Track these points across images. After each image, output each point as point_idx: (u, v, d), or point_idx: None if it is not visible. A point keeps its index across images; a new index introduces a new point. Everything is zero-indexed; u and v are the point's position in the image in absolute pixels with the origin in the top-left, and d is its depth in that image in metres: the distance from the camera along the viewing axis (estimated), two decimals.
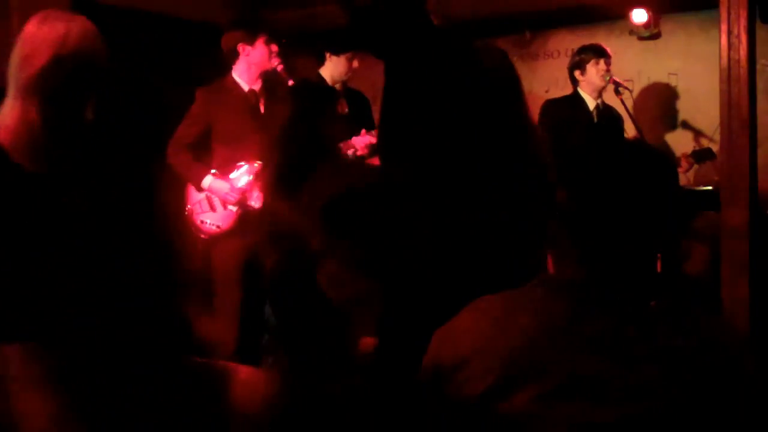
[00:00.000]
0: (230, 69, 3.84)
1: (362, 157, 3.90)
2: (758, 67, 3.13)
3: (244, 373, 1.60)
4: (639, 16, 4.81)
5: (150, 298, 2.12)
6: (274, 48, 3.79)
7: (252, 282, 3.71)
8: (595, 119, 4.30)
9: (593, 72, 4.25)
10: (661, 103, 5.00)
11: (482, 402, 1.19)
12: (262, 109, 3.84)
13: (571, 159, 1.31)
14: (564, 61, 4.74)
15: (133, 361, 1.55)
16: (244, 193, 3.74)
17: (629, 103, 4.39)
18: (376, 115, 4.20)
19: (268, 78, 3.85)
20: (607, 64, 4.25)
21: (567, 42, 5.12)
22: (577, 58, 4.33)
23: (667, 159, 1.33)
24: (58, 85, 1.91)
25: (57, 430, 1.13)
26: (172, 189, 3.89)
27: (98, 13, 4.22)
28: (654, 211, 1.26)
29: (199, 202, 3.81)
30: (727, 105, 2.96)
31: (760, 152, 3.08)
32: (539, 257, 1.97)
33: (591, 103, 4.31)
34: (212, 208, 3.79)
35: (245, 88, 3.82)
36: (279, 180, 2.60)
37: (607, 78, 4.25)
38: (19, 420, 1.15)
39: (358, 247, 2.10)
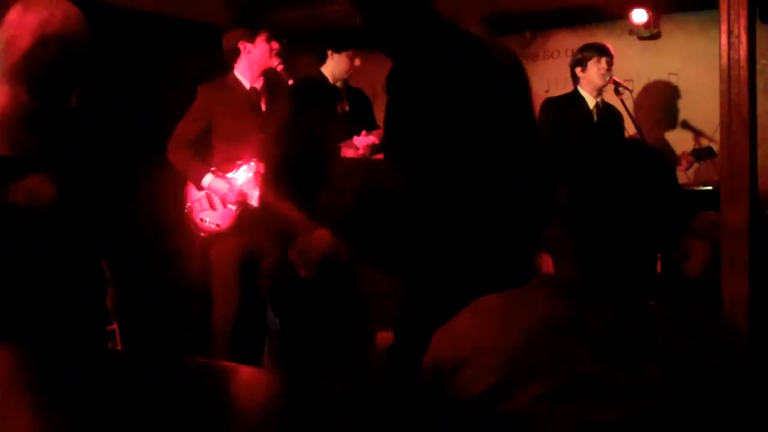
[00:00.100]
0: (232, 67, 3.84)
1: (364, 156, 3.90)
2: (758, 67, 3.13)
3: (243, 373, 1.60)
4: (639, 16, 4.81)
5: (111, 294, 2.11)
6: (275, 46, 3.79)
7: (251, 281, 3.71)
8: (595, 118, 4.30)
9: (594, 70, 4.25)
10: (661, 103, 5.00)
11: (482, 402, 1.19)
12: (263, 108, 3.84)
13: (571, 157, 1.31)
14: (564, 61, 4.74)
15: (133, 361, 1.55)
16: (243, 192, 3.73)
17: (629, 103, 4.39)
18: (377, 114, 4.21)
19: (269, 76, 3.85)
20: (609, 63, 4.26)
21: (567, 42, 5.12)
22: (579, 56, 4.33)
23: (664, 158, 1.33)
24: (43, 68, 1.91)
25: (57, 430, 1.13)
26: (172, 186, 3.89)
27: (98, 13, 4.23)
28: (653, 211, 1.26)
29: (199, 200, 3.81)
30: (727, 105, 2.96)
31: (760, 152, 3.07)
32: (536, 257, 1.98)
33: (591, 102, 4.31)
34: (212, 207, 3.79)
35: (247, 86, 3.82)
36: (277, 178, 2.60)
37: (608, 77, 4.25)
38: (17, 421, 1.15)
39: (382, 248, 2.10)
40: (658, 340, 1.18)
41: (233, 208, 3.76)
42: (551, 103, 4.33)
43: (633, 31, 5.01)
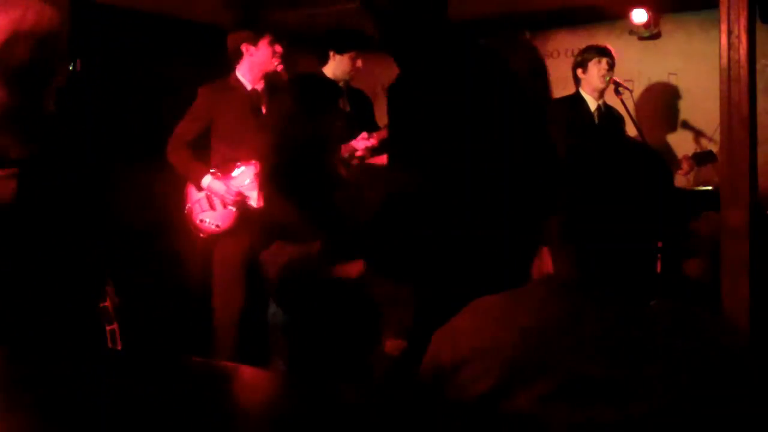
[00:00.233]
0: (234, 68, 3.84)
1: (362, 158, 3.90)
2: (758, 67, 3.13)
3: (244, 373, 1.60)
4: (639, 16, 4.82)
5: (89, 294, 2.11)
6: (278, 49, 3.80)
7: (252, 281, 3.71)
8: (596, 120, 4.29)
9: (595, 71, 4.25)
10: (661, 103, 5.00)
11: (482, 402, 1.19)
12: (263, 110, 3.84)
13: (569, 159, 1.31)
14: (564, 61, 4.74)
15: (133, 361, 1.55)
16: (241, 193, 3.73)
17: (629, 104, 4.39)
18: (378, 115, 4.21)
19: (270, 78, 3.85)
20: (609, 63, 4.25)
21: (567, 42, 5.12)
22: (579, 58, 4.34)
23: (661, 159, 1.33)
24: (14, 66, 1.91)
25: (57, 430, 1.13)
26: (172, 187, 3.90)
27: (98, 13, 4.24)
28: (650, 212, 1.26)
29: (199, 201, 3.81)
30: (727, 105, 2.96)
31: (760, 152, 3.07)
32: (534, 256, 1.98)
33: (592, 104, 4.31)
34: (212, 207, 3.79)
35: (248, 87, 3.82)
36: (277, 178, 2.59)
37: (608, 78, 4.25)
38: (17, 421, 1.15)
39: (400, 256, 2.10)
40: (658, 340, 1.18)
41: (233, 209, 3.76)
42: (552, 104, 4.33)
43: (633, 31, 5.01)
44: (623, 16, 4.85)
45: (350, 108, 4.07)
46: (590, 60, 4.27)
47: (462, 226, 2.04)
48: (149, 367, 1.46)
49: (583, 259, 1.25)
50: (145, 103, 4.41)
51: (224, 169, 3.77)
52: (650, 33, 5.00)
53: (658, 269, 1.28)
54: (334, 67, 4.07)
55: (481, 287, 1.77)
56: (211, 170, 3.78)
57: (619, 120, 4.38)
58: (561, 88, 4.78)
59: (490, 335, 1.24)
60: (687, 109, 4.92)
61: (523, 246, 2.04)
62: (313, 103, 2.62)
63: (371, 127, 4.01)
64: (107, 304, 2.25)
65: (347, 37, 4.05)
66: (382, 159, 3.76)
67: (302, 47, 4.58)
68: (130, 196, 4.14)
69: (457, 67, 2.10)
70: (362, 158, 3.88)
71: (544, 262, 1.92)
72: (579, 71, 4.32)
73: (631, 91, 4.46)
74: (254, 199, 3.75)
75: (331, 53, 4.06)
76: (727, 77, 2.96)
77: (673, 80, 4.99)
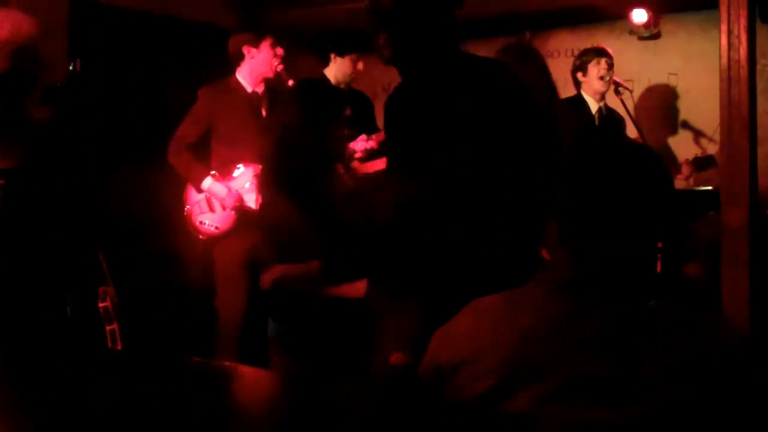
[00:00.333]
0: (234, 70, 3.84)
1: (361, 160, 3.90)
2: (758, 67, 3.13)
3: (245, 373, 1.60)
4: (639, 16, 4.82)
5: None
6: (280, 52, 3.80)
7: (254, 283, 3.70)
8: (597, 122, 4.29)
9: (594, 72, 4.25)
10: (661, 103, 5.00)
11: (482, 402, 1.19)
12: (264, 112, 3.84)
13: (571, 161, 1.31)
14: (564, 61, 4.74)
15: (133, 361, 1.55)
16: (241, 196, 3.73)
17: (629, 104, 4.39)
18: (378, 115, 4.21)
19: (271, 81, 3.85)
20: (608, 63, 4.25)
21: (567, 42, 5.12)
22: (578, 61, 4.33)
23: (659, 160, 1.33)
24: None
25: (57, 430, 1.13)
26: (172, 187, 3.90)
27: (98, 13, 4.24)
28: (650, 213, 1.26)
29: (198, 202, 3.81)
30: (727, 105, 2.96)
31: (760, 152, 3.07)
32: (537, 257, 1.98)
33: (593, 106, 4.30)
34: (211, 209, 3.79)
35: (248, 89, 3.82)
36: (280, 186, 2.59)
37: (608, 78, 4.25)
38: (17, 421, 1.15)
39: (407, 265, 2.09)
40: (658, 340, 1.18)
41: (232, 211, 3.76)
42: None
43: (633, 31, 5.01)
44: (623, 16, 4.85)
45: (351, 110, 4.07)
46: (589, 62, 4.27)
47: (467, 234, 2.04)
48: (149, 367, 1.47)
49: (582, 259, 1.25)
50: (145, 103, 4.41)
51: (224, 171, 3.77)
52: (650, 33, 5.00)
53: (658, 269, 1.28)
54: (335, 69, 4.07)
55: (489, 292, 1.77)
56: (212, 172, 3.78)
57: (619, 122, 4.38)
58: (560, 89, 4.78)
59: (489, 335, 1.24)
60: (687, 110, 4.92)
61: (526, 251, 2.04)
62: (319, 112, 2.61)
63: (371, 129, 4.01)
64: (107, 304, 2.25)
65: (348, 39, 4.05)
66: (379, 163, 3.76)
67: (303, 48, 4.58)
68: (130, 196, 4.15)
69: (460, 74, 2.10)
70: (361, 159, 3.88)
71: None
72: (579, 74, 4.32)
73: (631, 92, 4.45)
74: (254, 201, 3.75)
75: (332, 55, 4.06)
76: (727, 77, 2.96)
77: (673, 80, 4.99)
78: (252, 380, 1.50)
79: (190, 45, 4.58)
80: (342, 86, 4.07)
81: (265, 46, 3.78)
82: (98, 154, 3.83)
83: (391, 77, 2.27)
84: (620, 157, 1.30)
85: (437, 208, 2.06)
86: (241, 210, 3.74)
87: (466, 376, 1.23)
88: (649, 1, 4.72)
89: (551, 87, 3.35)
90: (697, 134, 4.81)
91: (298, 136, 2.55)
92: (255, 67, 3.80)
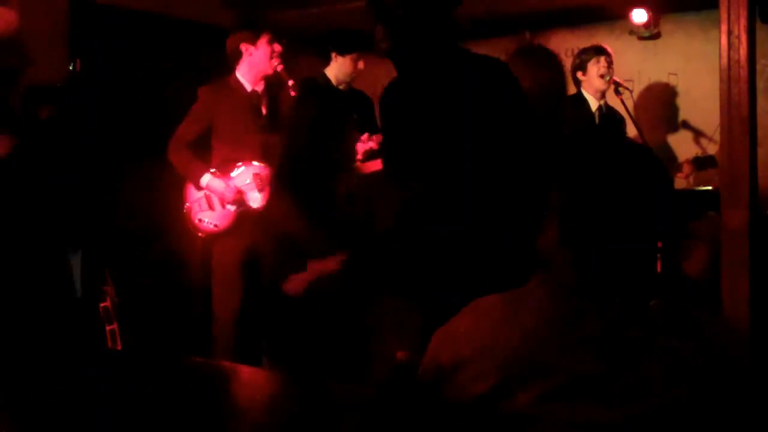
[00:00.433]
0: (233, 69, 3.85)
1: (361, 161, 3.89)
2: (758, 67, 3.13)
3: (243, 373, 1.60)
4: (639, 16, 4.81)
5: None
6: (277, 48, 3.79)
7: (251, 282, 3.71)
8: (597, 120, 4.29)
9: (594, 70, 4.25)
10: (661, 103, 5.00)
11: (483, 402, 1.19)
12: (264, 110, 3.84)
13: (568, 160, 1.31)
14: (564, 61, 4.73)
15: (133, 361, 1.55)
16: (240, 191, 3.74)
17: (629, 104, 4.39)
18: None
19: (271, 78, 3.85)
20: (608, 61, 4.25)
21: (567, 42, 5.12)
22: (578, 60, 4.33)
23: (658, 161, 1.33)
24: None
25: (57, 430, 1.13)
26: (172, 186, 3.90)
27: (98, 13, 4.24)
28: (650, 213, 1.26)
29: (198, 200, 3.81)
30: (727, 105, 2.96)
31: (760, 152, 3.07)
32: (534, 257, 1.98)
33: (594, 104, 4.30)
34: (210, 207, 3.79)
35: (248, 88, 3.82)
36: (289, 187, 2.58)
37: (608, 78, 4.25)
38: (17, 421, 1.15)
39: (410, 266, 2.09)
40: (658, 341, 1.18)
41: (232, 208, 3.76)
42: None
43: (633, 31, 5.01)
44: (623, 16, 4.85)
45: (351, 109, 4.07)
46: (588, 60, 4.27)
47: (465, 232, 2.04)
48: (149, 367, 1.46)
49: (582, 259, 1.25)
50: (144, 103, 4.41)
51: (224, 170, 3.78)
52: (650, 33, 5.00)
53: (658, 269, 1.28)
54: (336, 69, 4.06)
55: (489, 292, 1.77)
56: (211, 170, 3.79)
57: (619, 121, 4.38)
58: None
59: (489, 335, 1.24)
60: (687, 110, 4.92)
61: (525, 249, 2.04)
62: (330, 115, 2.61)
63: (371, 129, 4.01)
64: (107, 304, 2.25)
65: (349, 38, 4.05)
66: (379, 163, 3.76)
67: (303, 48, 4.58)
68: (130, 195, 4.15)
69: (457, 69, 2.10)
70: (361, 160, 3.88)
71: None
72: (579, 73, 4.32)
73: (631, 91, 4.45)
74: (253, 200, 3.75)
75: (333, 54, 4.06)
76: (727, 77, 2.96)
77: (673, 80, 4.99)
78: (252, 380, 1.50)
79: (190, 45, 4.58)
80: (343, 86, 4.07)
81: (263, 43, 3.78)
82: (98, 153, 3.83)
83: (392, 77, 2.27)
84: (620, 157, 1.30)
85: (435, 206, 2.06)
86: (240, 204, 3.74)
87: (466, 376, 1.22)
88: (649, 1, 4.72)
89: (562, 89, 3.33)
90: (697, 134, 4.81)
91: (309, 141, 2.55)
92: (253, 64, 3.80)
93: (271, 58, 3.78)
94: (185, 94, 3.87)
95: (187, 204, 3.84)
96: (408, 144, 2.13)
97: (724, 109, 2.98)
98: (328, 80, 4.05)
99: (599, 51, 4.27)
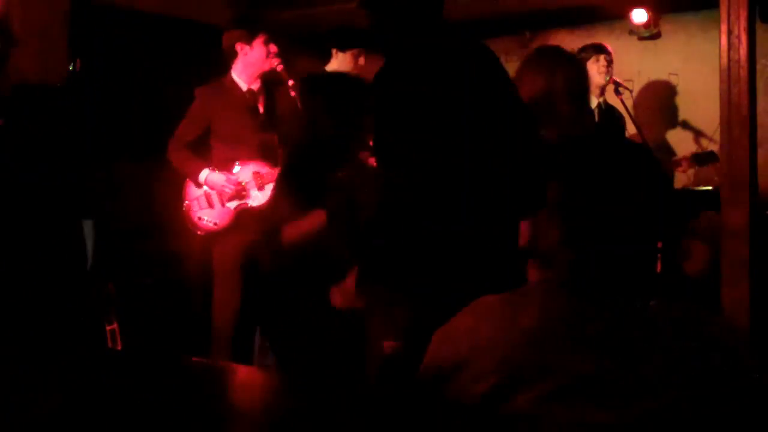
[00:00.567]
0: (229, 68, 3.85)
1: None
2: (758, 67, 3.13)
3: (243, 373, 1.60)
4: (639, 16, 4.81)
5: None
6: (273, 49, 3.79)
7: (251, 279, 3.70)
8: (597, 118, 4.30)
9: (594, 69, 4.25)
10: (661, 103, 5.00)
11: (483, 403, 1.19)
12: (260, 109, 3.84)
13: (567, 158, 1.31)
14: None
15: (132, 361, 1.55)
16: (241, 184, 3.73)
17: (629, 103, 4.39)
18: None
19: (268, 75, 3.85)
20: (607, 60, 4.26)
21: (567, 42, 5.11)
22: (577, 58, 4.33)
23: (657, 161, 1.33)
24: None
25: (57, 430, 1.13)
26: (172, 186, 3.90)
27: (98, 13, 4.24)
28: (650, 213, 1.26)
29: (197, 198, 3.81)
30: (727, 105, 2.96)
31: (760, 152, 3.08)
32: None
33: (593, 101, 4.30)
34: (210, 205, 3.79)
35: (244, 87, 3.82)
36: (296, 183, 2.57)
37: (608, 77, 4.25)
38: (17, 421, 1.15)
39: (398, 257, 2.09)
40: (658, 341, 1.18)
41: (231, 206, 3.76)
42: None
43: (633, 31, 5.01)
44: (623, 16, 4.85)
45: None
46: (588, 59, 4.27)
47: (452, 224, 2.04)
48: (149, 367, 1.46)
49: (582, 259, 1.25)
50: (144, 102, 4.41)
51: (223, 169, 3.78)
52: (650, 33, 5.00)
53: (658, 269, 1.28)
54: (337, 65, 4.06)
55: (472, 285, 1.77)
56: (210, 168, 3.79)
57: (618, 119, 4.38)
58: None
59: (489, 336, 1.24)
60: (687, 109, 4.92)
61: (512, 243, 2.04)
62: (347, 103, 2.59)
63: None
64: (107, 304, 2.25)
65: (350, 35, 4.05)
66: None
67: (303, 46, 4.58)
68: (130, 195, 4.15)
69: (447, 62, 2.09)
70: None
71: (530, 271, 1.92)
72: None
73: (630, 91, 4.45)
74: (253, 198, 3.75)
75: (334, 51, 4.06)
76: (727, 77, 2.96)
77: (673, 80, 4.98)
78: (251, 380, 1.50)
79: (190, 45, 4.58)
80: None
81: (258, 43, 3.78)
82: (98, 153, 3.83)
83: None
84: (620, 157, 1.30)
85: (418, 196, 2.06)
86: (240, 198, 3.74)
87: (466, 376, 1.22)
88: (649, 1, 4.72)
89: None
90: (697, 134, 4.81)
91: (326, 127, 2.53)
92: (249, 64, 3.80)
93: (268, 58, 3.78)
94: (185, 94, 3.87)
95: (187, 202, 3.84)
96: (394, 133, 2.13)
97: (724, 109, 2.99)
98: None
99: (599, 49, 4.28)
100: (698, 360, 1.16)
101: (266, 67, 3.79)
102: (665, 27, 4.99)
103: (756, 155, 3.01)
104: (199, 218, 3.80)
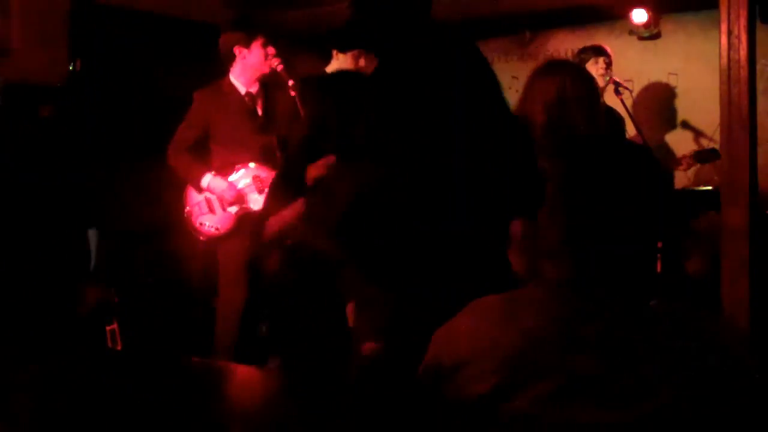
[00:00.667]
0: (227, 71, 3.84)
1: None
2: (758, 67, 3.13)
3: (243, 373, 1.60)
4: (639, 16, 4.81)
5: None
6: (271, 51, 3.78)
7: (255, 283, 3.70)
8: None
9: (593, 71, 4.25)
10: (661, 103, 5.00)
11: (482, 403, 1.19)
12: (259, 112, 3.84)
13: (567, 158, 1.31)
14: None
15: (133, 361, 1.55)
16: (241, 191, 3.73)
17: (629, 103, 4.39)
18: None
19: (266, 79, 3.84)
20: (607, 62, 4.26)
21: (567, 42, 5.12)
22: (577, 59, 4.33)
23: (657, 161, 1.33)
24: None
25: (57, 430, 1.13)
26: (173, 188, 3.90)
27: (98, 13, 4.24)
28: (650, 213, 1.26)
29: (198, 204, 3.81)
30: (727, 105, 2.96)
31: (760, 152, 3.08)
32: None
33: None
34: (211, 210, 3.79)
35: (242, 90, 3.82)
36: (294, 183, 2.56)
37: (607, 78, 4.25)
38: (18, 420, 1.15)
39: (373, 254, 2.08)
40: (658, 341, 1.18)
41: (232, 211, 3.76)
42: None
43: (633, 31, 5.01)
44: (623, 16, 4.85)
45: None
46: (587, 60, 4.27)
47: (433, 222, 2.03)
48: (149, 367, 1.47)
49: (582, 260, 1.25)
50: (144, 103, 4.41)
51: (224, 172, 3.78)
52: (650, 33, 4.99)
53: (658, 269, 1.28)
54: (337, 66, 4.06)
55: (454, 285, 1.76)
56: (211, 172, 3.79)
57: (618, 121, 4.37)
58: None
59: (490, 336, 1.24)
60: (687, 109, 4.91)
61: (495, 243, 2.03)
62: (354, 100, 2.58)
63: None
64: (107, 304, 2.25)
65: (350, 36, 4.04)
66: None
67: (303, 47, 4.57)
68: (131, 196, 4.15)
69: (436, 61, 2.10)
70: None
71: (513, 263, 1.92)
72: None
73: (630, 91, 4.45)
74: (254, 202, 3.75)
75: (334, 52, 4.06)
76: (727, 77, 2.96)
77: (673, 80, 4.98)
78: (250, 380, 1.50)
79: (190, 45, 4.58)
80: None
81: (257, 46, 3.77)
82: (98, 153, 3.84)
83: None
84: (620, 157, 1.30)
85: (413, 197, 2.06)
86: (240, 203, 3.74)
87: (466, 376, 1.22)
88: (649, 1, 4.72)
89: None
90: (697, 134, 4.80)
91: (334, 128, 2.53)
92: (247, 67, 3.79)
93: (266, 61, 3.77)
94: (185, 95, 3.87)
95: (188, 208, 3.83)
96: (386, 132, 2.13)
97: (724, 109, 2.99)
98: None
99: (598, 51, 4.27)
100: (698, 360, 1.16)
101: (265, 69, 3.78)
102: (665, 27, 4.99)
103: (756, 155, 3.01)
104: (201, 224, 3.80)
